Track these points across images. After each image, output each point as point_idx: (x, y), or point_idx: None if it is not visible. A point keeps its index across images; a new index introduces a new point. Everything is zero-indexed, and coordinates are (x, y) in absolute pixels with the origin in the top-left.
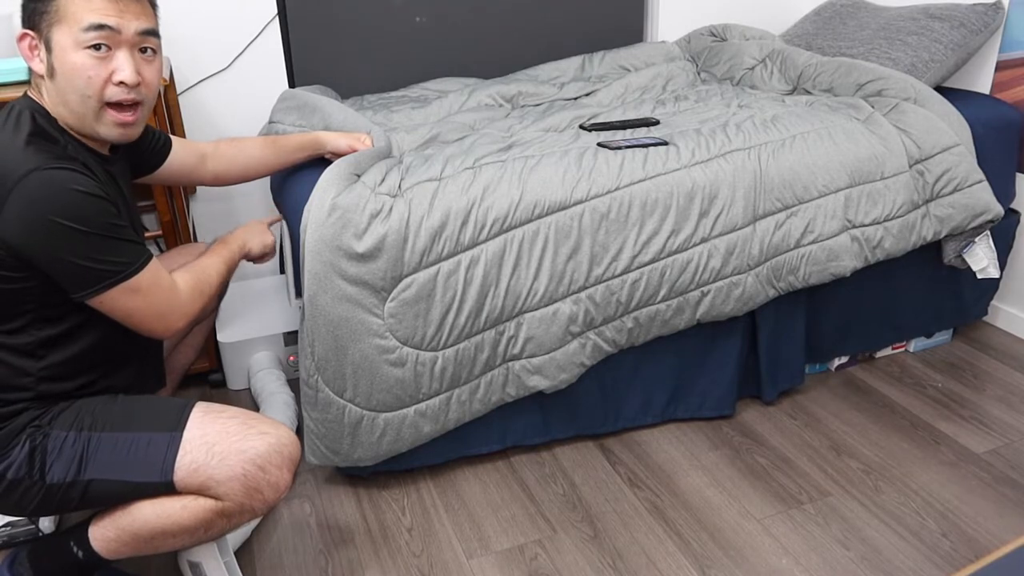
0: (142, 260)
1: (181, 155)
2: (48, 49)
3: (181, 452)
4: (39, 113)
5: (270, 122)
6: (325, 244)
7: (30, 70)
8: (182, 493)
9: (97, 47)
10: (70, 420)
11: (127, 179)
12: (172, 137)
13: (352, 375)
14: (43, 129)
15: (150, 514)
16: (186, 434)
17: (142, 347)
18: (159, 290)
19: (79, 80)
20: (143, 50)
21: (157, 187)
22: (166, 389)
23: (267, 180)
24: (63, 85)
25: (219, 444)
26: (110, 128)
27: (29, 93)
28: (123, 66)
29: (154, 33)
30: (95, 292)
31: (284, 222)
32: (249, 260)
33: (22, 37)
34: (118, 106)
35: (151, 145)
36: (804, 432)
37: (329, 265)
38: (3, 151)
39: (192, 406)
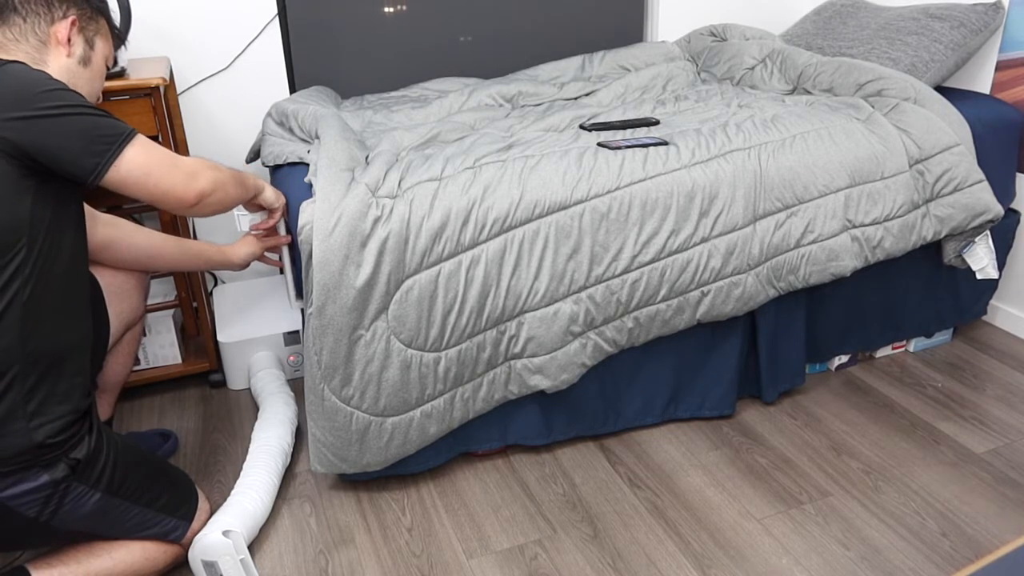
0: (130, 128)
1: None
2: (90, 46)
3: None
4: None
5: (264, 134)
6: (333, 254)
7: None
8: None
9: (108, 68)
10: (95, 472)
11: None
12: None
13: (359, 382)
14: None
15: (108, 565)
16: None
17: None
18: (161, 150)
19: (98, 83)
20: None
21: None
22: (104, 409)
23: (265, 172)
24: (89, 77)
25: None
26: None
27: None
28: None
29: None
30: (111, 159)
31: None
32: (254, 207)
33: (74, 21)
34: None
35: None
36: (804, 432)
37: (337, 275)
38: None
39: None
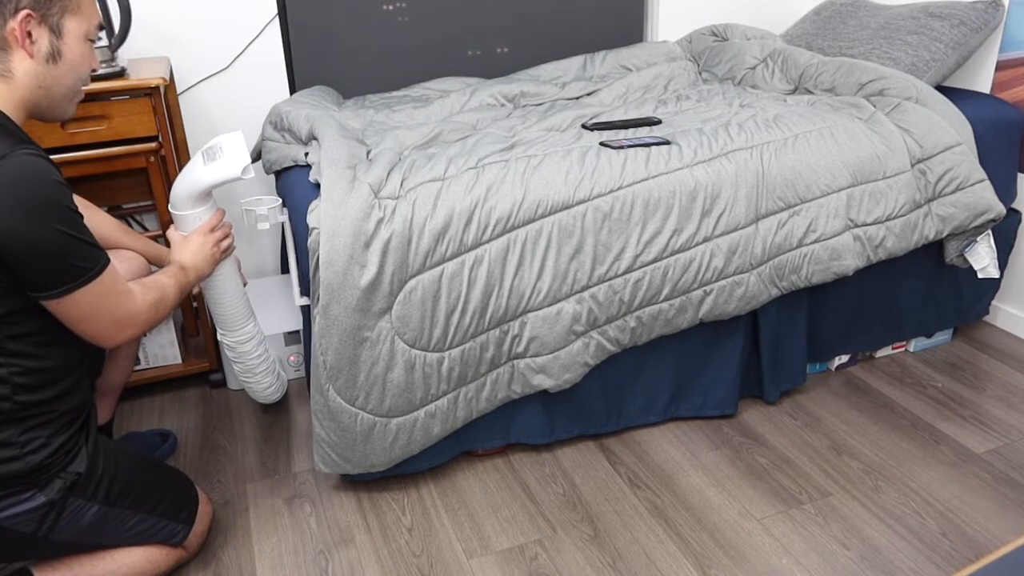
0: (103, 262)
1: None
2: (57, 35)
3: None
4: None
5: (263, 139)
6: (337, 254)
7: None
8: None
9: (93, 41)
10: (92, 486)
11: None
12: None
13: (364, 382)
14: None
15: (111, 568)
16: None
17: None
18: (118, 296)
19: (84, 67)
20: None
21: (158, 186)
22: (104, 411)
23: (269, 177)
24: (65, 70)
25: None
26: (74, 107)
27: None
28: (96, 56)
29: None
30: (62, 292)
31: (288, 220)
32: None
33: (27, 15)
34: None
35: None
36: (804, 432)
37: (342, 275)
38: None
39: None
